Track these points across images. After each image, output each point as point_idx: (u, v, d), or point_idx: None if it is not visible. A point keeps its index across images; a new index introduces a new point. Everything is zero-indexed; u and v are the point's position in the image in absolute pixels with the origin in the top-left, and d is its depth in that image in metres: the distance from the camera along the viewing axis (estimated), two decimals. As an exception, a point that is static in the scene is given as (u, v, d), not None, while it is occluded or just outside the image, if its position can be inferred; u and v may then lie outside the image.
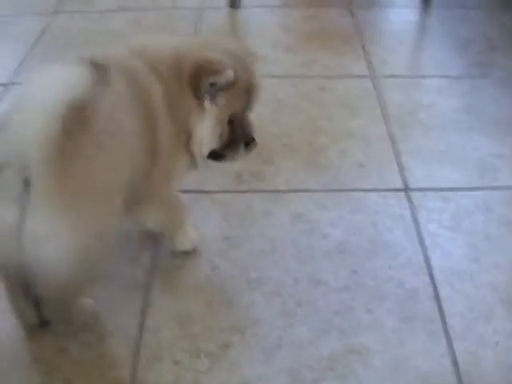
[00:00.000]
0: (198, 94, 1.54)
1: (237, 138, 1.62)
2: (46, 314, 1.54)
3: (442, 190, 1.97)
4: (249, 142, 1.63)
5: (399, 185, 1.99)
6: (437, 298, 1.64)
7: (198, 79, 1.52)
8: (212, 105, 1.55)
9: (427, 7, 3.14)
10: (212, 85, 1.52)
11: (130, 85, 1.48)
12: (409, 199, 1.93)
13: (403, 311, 1.60)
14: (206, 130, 1.57)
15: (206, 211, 1.90)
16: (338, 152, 2.13)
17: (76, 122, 1.28)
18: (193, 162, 1.63)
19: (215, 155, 1.63)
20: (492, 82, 2.52)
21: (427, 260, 1.73)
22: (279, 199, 1.94)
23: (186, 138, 1.58)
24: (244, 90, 1.59)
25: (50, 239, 1.29)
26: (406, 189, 1.97)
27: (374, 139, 2.19)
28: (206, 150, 1.61)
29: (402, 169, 2.05)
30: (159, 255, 1.76)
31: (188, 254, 1.76)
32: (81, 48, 2.58)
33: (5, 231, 1.29)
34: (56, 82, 1.30)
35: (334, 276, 1.69)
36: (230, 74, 1.51)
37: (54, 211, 1.27)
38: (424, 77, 2.57)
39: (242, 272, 1.71)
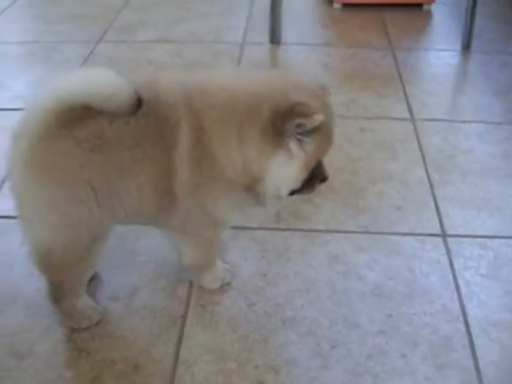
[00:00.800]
0: (280, 136, 1.48)
1: (315, 177, 1.58)
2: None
3: (479, 237, 1.97)
4: (323, 180, 1.61)
5: (437, 230, 1.99)
6: (472, 346, 1.63)
7: (284, 120, 1.46)
8: (299, 150, 1.50)
9: (467, 51, 3.16)
10: (298, 127, 1.46)
11: (155, 123, 1.48)
12: (446, 245, 1.93)
13: (437, 358, 1.60)
14: (290, 175, 1.53)
15: (245, 247, 1.91)
16: (377, 194, 2.14)
17: (77, 119, 1.43)
18: (260, 201, 1.60)
19: (290, 193, 1.59)
20: (532, 130, 2.53)
21: (463, 308, 1.73)
22: (317, 239, 1.95)
23: (248, 180, 1.54)
24: (328, 133, 1.55)
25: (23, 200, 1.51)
26: (444, 234, 1.97)
27: (412, 182, 2.20)
28: (285, 192, 1.57)
29: (439, 214, 2.05)
30: (196, 289, 1.77)
31: (225, 289, 1.77)
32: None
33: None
34: (79, 80, 1.43)
35: (369, 319, 1.70)
36: (319, 118, 1.44)
37: (24, 179, 1.48)
38: (463, 121, 2.57)
39: (277, 310, 1.72)
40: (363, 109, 2.64)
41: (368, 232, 1.98)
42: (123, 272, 1.82)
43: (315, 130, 1.48)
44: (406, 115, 2.60)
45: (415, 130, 2.49)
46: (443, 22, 3.53)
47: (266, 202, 1.61)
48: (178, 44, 3.19)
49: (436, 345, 1.63)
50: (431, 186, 2.18)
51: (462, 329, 1.68)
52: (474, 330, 1.67)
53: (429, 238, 1.96)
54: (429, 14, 3.60)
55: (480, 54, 3.14)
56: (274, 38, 3.19)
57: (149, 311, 1.71)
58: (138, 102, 1.40)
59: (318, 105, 1.49)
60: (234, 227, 1.93)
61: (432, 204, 2.10)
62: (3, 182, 2.14)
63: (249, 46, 3.17)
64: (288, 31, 3.28)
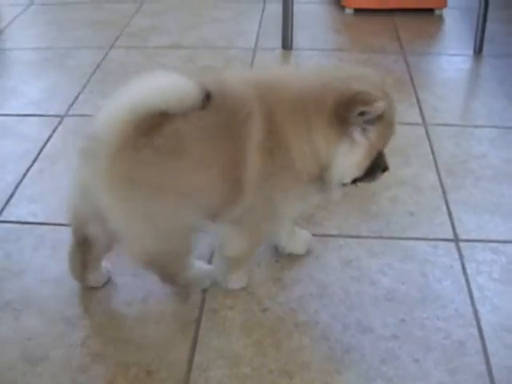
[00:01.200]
0: (344, 125, 1.54)
1: (377, 166, 1.64)
2: (91, 280, 1.78)
3: (492, 241, 1.97)
4: (385, 169, 1.67)
5: (449, 235, 1.99)
6: (484, 351, 1.63)
7: (347, 109, 1.51)
8: (362, 138, 1.56)
9: (479, 56, 3.16)
10: (361, 115, 1.51)
11: (226, 116, 1.52)
12: (458, 250, 1.93)
13: (450, 363, 1.60)
14: (354, 162, 1.58)
15: (259, 252, 1.90)
16: (389, 199, 2.15)
17: (153, 126, 1.45)
18: (325, 189, 1.65)
19: (353, 181, 1.65)
20: (545, 135, 2.52)
21: (476, 312, 1.73)
22: (330, 244, 1.95)
23: (315, 169, 1.59)
24: (390, 123, 1.61)
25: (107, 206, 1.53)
26: (456, 239, 1.97)
27: (424, 187, 2.20)
28: (349, 179, 1.63)
29: (452, 219, 2.05)
30: (209, 294, 1.78)
31: (238, 293, 1.78)
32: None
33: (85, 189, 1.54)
34: (153, 86, 1.45)
35: (381, 324, 1.70)
36: (381, 105, 1.50)
37: (105, 186, 1.50)
38: (476, 126, 2.57)
39: (290, 315, 1.72)
40: (375, 114, 2.64)
41: (381, 237, 1.99)
42: (137, 277, 1.82)
43: (378, 119, 1.53)
44: (419, 120, 2.60)
45: (427, 134, 2.49)
46: (455, 27, 3.53)
47: (331, 189, 1.65)
48: (190, 49, 3.21)
49: (449, 349, 1.63)
50: (444, 191, 2.18)
51: (475, 334, 1.67)
52: (487, 334, 1.67)
53: (441, 243, 1.96)
54: (440, 18, 3.61)
55: (492, 59, 3.14)
56: (286, 44, 3.20)
57: (163, 316, 1.72)
58: (207, 98, 1.43)
59: (379, 94, 1.54)
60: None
61: (444, 209, 2.10)
62: (16, 187, 2.16)
63: (261, 52, 3.18)
64: (300, 36, 3.30)
